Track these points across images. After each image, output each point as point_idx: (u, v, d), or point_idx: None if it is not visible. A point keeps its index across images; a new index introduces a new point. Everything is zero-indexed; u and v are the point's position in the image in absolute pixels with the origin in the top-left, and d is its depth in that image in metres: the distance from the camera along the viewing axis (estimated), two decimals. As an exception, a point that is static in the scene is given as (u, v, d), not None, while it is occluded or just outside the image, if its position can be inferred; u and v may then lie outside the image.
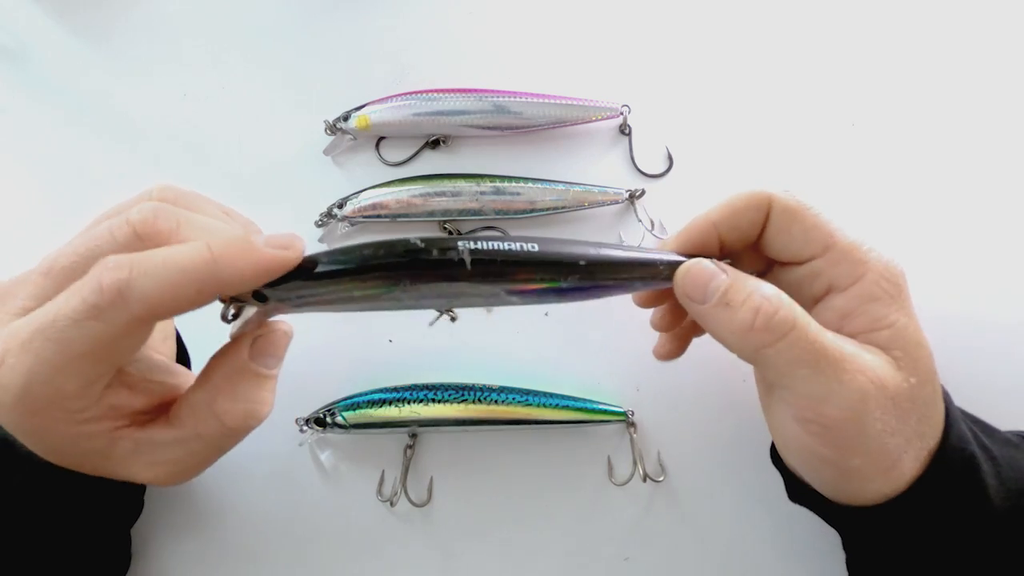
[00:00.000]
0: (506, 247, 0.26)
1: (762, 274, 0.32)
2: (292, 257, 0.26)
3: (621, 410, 0.40)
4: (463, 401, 0.40)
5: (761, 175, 0.45)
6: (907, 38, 0.47)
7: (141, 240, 0.26)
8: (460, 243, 0.26)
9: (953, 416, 0.29)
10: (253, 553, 0.40)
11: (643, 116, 0.46)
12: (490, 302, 0.28)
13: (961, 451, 0.28)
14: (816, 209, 0.29)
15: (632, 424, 0.40)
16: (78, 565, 0.34)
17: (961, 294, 0.42)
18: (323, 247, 0.45)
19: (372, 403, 0.40)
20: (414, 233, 0.45)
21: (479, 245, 0.26)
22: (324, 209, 0.45)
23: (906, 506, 0.27)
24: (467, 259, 0.26)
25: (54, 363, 0.24)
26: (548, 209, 0.44)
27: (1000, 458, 0.29)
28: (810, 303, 0.29)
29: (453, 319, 0.36)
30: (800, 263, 0.30)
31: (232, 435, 0.28)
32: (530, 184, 0.44)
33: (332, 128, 0.46)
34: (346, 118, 0.45)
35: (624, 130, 0.46)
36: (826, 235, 0.29)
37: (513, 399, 0.40)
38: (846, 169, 0.44)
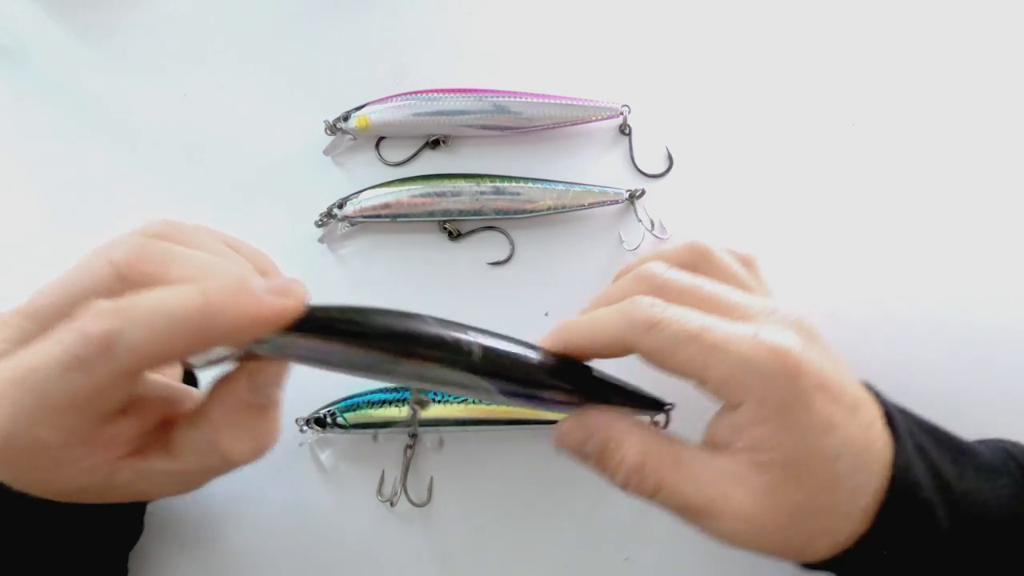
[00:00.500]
0: (513, 350, 0.27)
1: None
2: (292, 306, 0.24)
3: None
4: (463, 401, 0.40)
5: (761, 175, 0.45)
6: (907, 38, 0.46)
7: (124, 282, 0.25)
8: (471, 335, 0.26)
9: (902, 462, 0.27)
10: (252, 553, 0.40)
11: (643, 116, 0.46)
12: (478, 395, 0.28)
13: (910, 499, 0.27)
14: (682, 341, 0.26)
15: None
16: None
17: (962, 294, 0.42)
18: (323, 247, 0.45)
19: (372, 403, 0.40)
20: (415, 236, 0.45)
21: (490, 343, 0.26)
22: (324, 209, 0.45)
23: (857, 557, 0.27)
24: (478, 353, 0.26)
25: (32, 416, 0.22)
26: (548, 209, 0.44)
27: (959, 491, 0.28)
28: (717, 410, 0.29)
29: (424, 408, 0.37)
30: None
31: (240, 466, 0.27)
32: (530, 184, 0.44)
33: (332, 128, 0.46)
34: (346, 118, 0.45)
35: (624, 130, 0.46)
36: (697, 370, 0.26)
37: None
38: (846, 169, 0.44)
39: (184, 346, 0.23)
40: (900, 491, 0.27)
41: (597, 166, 0.46)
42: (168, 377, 0.31)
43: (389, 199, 0.44)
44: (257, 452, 0.27)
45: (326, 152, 0.46)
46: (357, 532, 0.41)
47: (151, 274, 0.25)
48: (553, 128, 0.45)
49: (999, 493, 0.28)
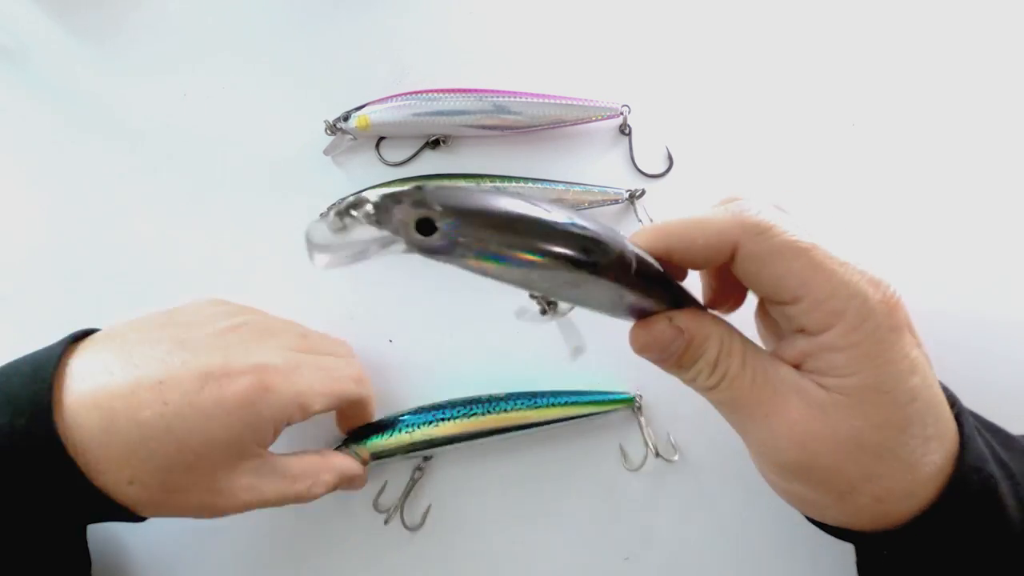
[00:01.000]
0: (654, 263, 0.26)
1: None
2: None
3: (629, 396, 0.40)
4: (473, 415, 0.39)
5: (761, 175, 0.45)
6: (907, 38, 0.47)
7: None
8: (630, 248, 0.24)
9: (968, 435, 0.27)
10: (250, 550, 0.40)
11: (643, 116, 0.46)
12: (603, 308, 0.26)
13: (978, 471, 0.26)
14: (791, 251, 0.25)
15: (639, 408, 0.41)
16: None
17: (963, 293, 0.42)
18: (323, 247, 0.45)
19: (381, 432, 0.40)
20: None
21: (641, 254, 0.25)
22: (324, 209, 0.44)
23: (919, 529, 0.26)
24: (634, 265, 0.24)
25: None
26: (548, 209, 0.44)
27: (1019, 474, 0.27)
28: (784, 332, 0.29)
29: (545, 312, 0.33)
30: (772, 303, 0.28)
31: (295, 498, 0.35)
32: (530, 184, 0.44)
33: (332, 128, 0.46)
34: (346, 118, 0.45)
35: (624, 130, 0.46)
36: (797, 285, 0.26)
37: (521, 404, 0.40)
38: (846, 169, 0.44)
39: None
40: (971, 457, 0.26)
41: (597, 166, 0.46)
42: None
43: (389, 199, 0.44)
44: (309, 496, 0.35)
45: (326, 152, 0.46)
46: (357, 534, 0.41)
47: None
48: (553, 128, 0.45)
49: None
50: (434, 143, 0.46)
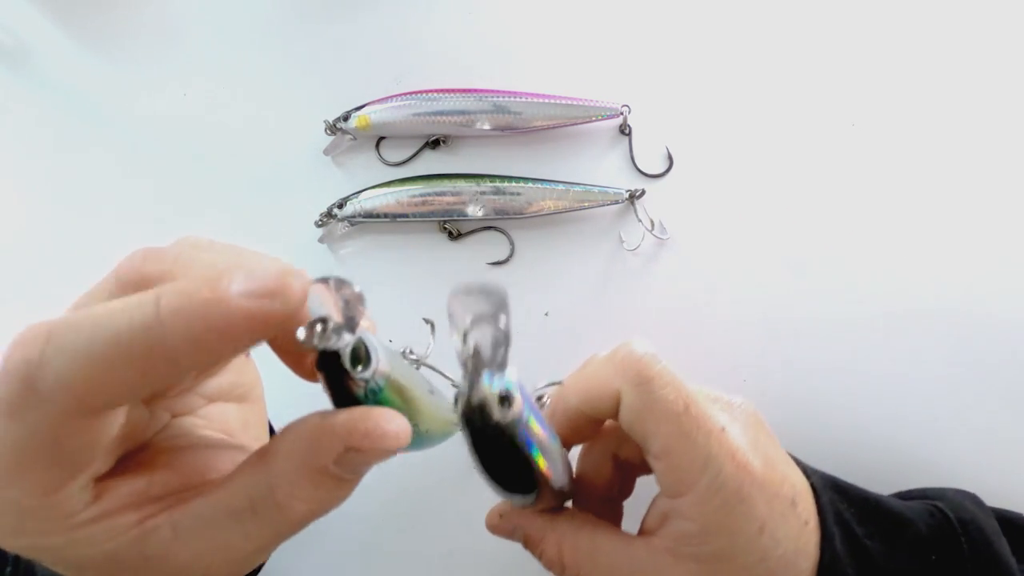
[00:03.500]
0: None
1: None
2: (278, 313, 0.17)
3: None
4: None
5: (761, 175, 0.45)
6: (907, 38, 0.46)
7: (125, 292, 0.20)
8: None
9: (828, 560, 0.27)
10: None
11: (643, 116, 0.46)
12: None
13: None
14: (663, 413, 0.26)
15: None
16: None
17: (961, 294, 0.42)
18: (323, 247, 0.45)
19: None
20: (415, 236, 0.45)
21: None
22: (324, 209, 0.45)
23: None
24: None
25: None
26: (548, 209, 0.44)
27: (877, 553, 0.28)
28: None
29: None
30: (645, 452, 0.28)
31: (292, 526, 0.22)
32: (530, 184, 0.44)
33: (332, 128, 0.46)
34: (346, 118, 0.45)
35: (624, 130, 0.46)
36: (661, 447, 0.26)
37: None
38: (846, 169, 0.44)
39: (136, 378, 0.17)
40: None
41: (597, 166, 0.46)
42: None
43: (389, 199, 0.44)
44: (314, 515, 0.22)
45: (326, 152, 0.46)
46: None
47: (155, 276, 0.20)
48: (553, 128, 0.45)
49: (930, 569, 0.28)
50: (434, 143, 0.46)
